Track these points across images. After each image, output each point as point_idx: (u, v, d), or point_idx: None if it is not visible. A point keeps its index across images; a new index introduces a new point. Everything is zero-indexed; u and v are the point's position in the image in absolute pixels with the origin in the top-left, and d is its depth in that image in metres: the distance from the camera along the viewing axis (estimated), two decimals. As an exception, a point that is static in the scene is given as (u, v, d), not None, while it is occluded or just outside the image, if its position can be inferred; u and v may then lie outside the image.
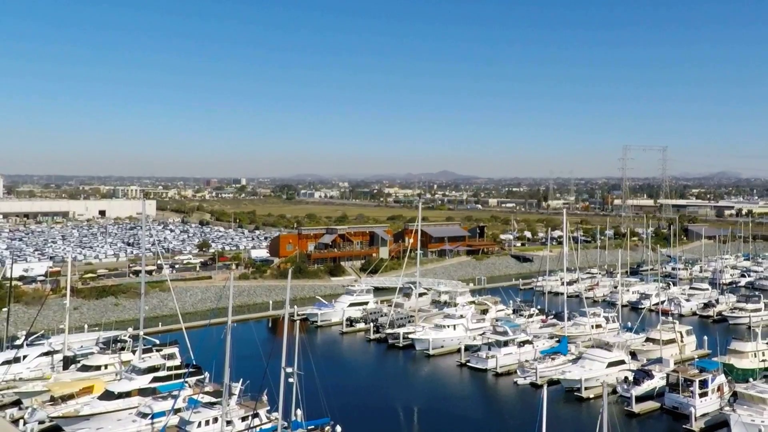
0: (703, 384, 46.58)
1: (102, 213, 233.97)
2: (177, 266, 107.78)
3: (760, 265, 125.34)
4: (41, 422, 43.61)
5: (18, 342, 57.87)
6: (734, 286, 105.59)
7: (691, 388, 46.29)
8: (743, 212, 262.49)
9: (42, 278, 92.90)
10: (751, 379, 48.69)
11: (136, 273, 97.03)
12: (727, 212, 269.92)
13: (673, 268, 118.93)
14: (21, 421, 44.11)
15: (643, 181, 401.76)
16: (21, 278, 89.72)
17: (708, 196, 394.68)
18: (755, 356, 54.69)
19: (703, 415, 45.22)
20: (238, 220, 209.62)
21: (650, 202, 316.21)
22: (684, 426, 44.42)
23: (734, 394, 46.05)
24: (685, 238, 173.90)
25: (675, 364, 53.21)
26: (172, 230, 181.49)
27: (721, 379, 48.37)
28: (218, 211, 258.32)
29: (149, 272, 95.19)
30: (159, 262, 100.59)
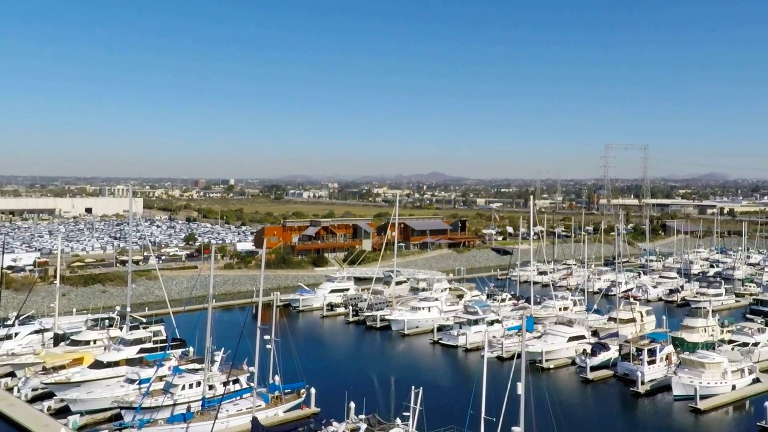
0: (652, 353, 50.40)
1: (88, 210, 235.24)
2: (163, 257, 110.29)
3: (730, 257, 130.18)
4: (34, 389, 46.45)
5: (9, 322, 60.49)
6: (702, 275, 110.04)
7: (640, 357, 50.04)
8: (725, 211, 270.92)
9: (30, 268, 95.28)
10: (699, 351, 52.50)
11: (123, 263, 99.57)
12: (709, 211, 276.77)
13: (647, 260, 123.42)
14: (15, 389, 46.90)
15: (632, 182, 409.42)
16: (9, 268, 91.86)
17: (693, 196, 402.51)
18: (705, 331, 58.67)
19: (651, 380, 48.99)
20: (225, 217, 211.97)
21: (635, 201, 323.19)
22: (632, 389, 48.19)
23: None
24: (662, 234, 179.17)
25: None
26: (158, 226, 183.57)
27: (670, 349, 52.29)
28: (205, 209, 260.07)
29: (136, 262, 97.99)
30: (146, 253, 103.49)
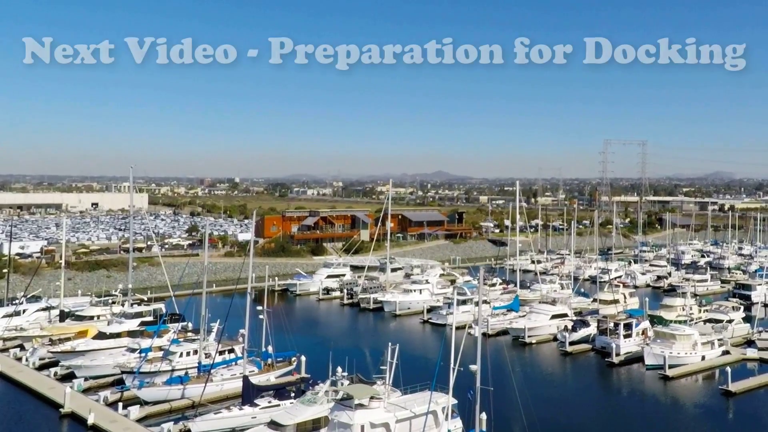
0: (628, 327, 52.84)
1: (95, 205, 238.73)
2: (166, 246, 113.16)
3: (721, 248, 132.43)
4: (42, 358, 49.37)
5: (18, 300, 63.41)
6: (693, 264, 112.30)
7: (617, 331, 52.49)
8: (726, 208, 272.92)
9: (37, 254, 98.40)
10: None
11: (127, 251, 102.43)
12: (710, 208, 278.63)
13: (640, 251, 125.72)
14: (23, 359, 49.76)
15: (635, 181, 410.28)
16: (18, 255, 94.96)
17: (696, 194, 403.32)
18: (682, 310, 61.07)
19: (627, 352, 51.45)
20: (227, 211, 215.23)
21: (636, 199, 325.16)
22: (607, 360, 50.68)
23: (655, 337, 52.28)
24: (658, 227, 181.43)
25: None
26: (163, 219, 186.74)
27: (646, 324, 54.76)
28: (210, 205, 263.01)
29: (139, 249, 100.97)
30: (149, 242, 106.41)
